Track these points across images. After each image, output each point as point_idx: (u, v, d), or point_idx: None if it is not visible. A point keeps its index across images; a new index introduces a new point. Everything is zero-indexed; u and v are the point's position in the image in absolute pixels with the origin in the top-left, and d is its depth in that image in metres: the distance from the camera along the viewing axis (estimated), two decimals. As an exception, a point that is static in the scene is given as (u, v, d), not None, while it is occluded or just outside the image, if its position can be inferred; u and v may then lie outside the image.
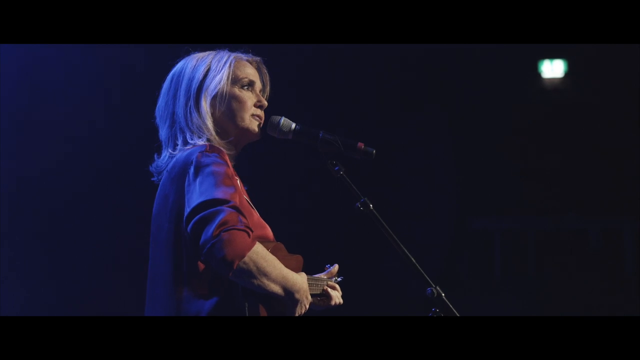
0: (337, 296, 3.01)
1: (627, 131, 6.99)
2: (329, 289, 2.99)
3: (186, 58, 2.87)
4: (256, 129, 2.83)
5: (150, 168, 2.81)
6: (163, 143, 2.81)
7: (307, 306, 2.71)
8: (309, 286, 2.72)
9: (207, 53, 2.87)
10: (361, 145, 2.82)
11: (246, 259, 2.45)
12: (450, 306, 2.65)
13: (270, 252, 2.58)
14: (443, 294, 2.66)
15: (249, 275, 2.48)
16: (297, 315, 2.66)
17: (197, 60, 2.83)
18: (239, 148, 2.86)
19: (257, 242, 2.50)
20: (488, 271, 7.64)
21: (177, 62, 2.88)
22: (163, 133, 2.82)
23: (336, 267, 3.04)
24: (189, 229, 2.49)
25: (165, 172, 2.72)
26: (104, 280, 5.48)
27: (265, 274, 2.51)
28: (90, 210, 5.48)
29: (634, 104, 6.83)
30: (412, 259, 2.70)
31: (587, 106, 7.20)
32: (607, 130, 7.13)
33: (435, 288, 2.67)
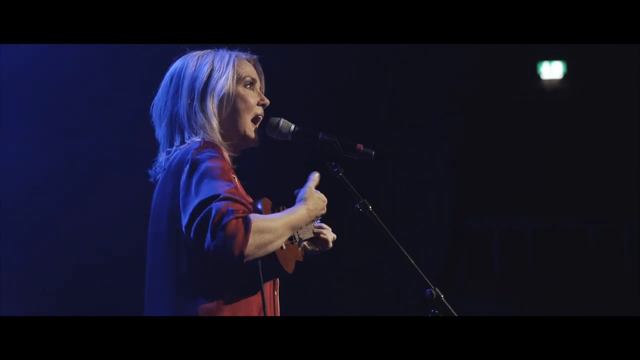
0: (330, 232, 3.01)
1: (626, 132, 7.00)
2: (320, 230, 3.02)
3: (184, 57, 2.85)
4: (255, 136, 2.83)
5: (150, 172, 2.81)
6: (160, 143, 2.80)
7: (321, 202, 2.75)
8: (302, 231, 2.83)
9: (206, 52, 2.85)
10: (360, 146, 2.82)
11: (250, 241, 2.47)
12: (449, 307, 2.66)
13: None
14: (442, 295, 2.67)
15: (261, 249, 2.51)
16: (317, 214, 2.72)
17: (198, 59, 2.81)
18: (238, 151, 2.85)
19: (251, 218, 2.50)
20: (487, 271, 7.65)
21: (173, 61, 2.86)
22: (160, 132, 2.81)
23: None
24: (191, 236, 2.51)
25: (162, 172, 2.72)
26: (104, 280, 5.47)
27: (272, 233, 2.54)
28: (90, 210, 5.48)
29: (633, 104, 6.83)
30: (411, 260, 2.70)
31: (586, 107, 7.21)
32: (606, 130, 7.14)
33: (434, 289, 2.67)
